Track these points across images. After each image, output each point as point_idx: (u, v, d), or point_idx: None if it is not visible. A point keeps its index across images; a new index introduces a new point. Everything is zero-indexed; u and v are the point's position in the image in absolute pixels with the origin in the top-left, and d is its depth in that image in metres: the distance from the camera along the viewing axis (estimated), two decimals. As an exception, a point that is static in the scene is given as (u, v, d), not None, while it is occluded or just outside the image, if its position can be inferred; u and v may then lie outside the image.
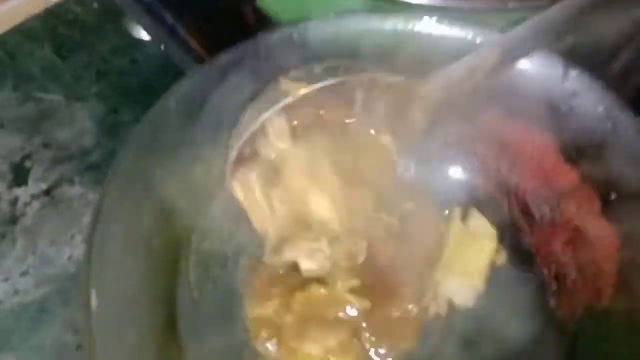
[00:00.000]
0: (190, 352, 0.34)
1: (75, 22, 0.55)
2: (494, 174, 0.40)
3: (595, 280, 0.34)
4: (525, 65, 0.34)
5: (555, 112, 0.35)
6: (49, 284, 0.42)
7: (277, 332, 0.36)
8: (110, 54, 0.53)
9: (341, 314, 0.35)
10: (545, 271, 0.37)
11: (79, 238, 0.45)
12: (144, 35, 0.53)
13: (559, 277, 0.37)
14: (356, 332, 0.35)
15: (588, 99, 0.33)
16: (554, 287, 0.37)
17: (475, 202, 0.41)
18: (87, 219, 0.45)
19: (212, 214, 0.37)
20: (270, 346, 0.35)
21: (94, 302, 0.27)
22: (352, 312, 0.35)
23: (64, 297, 0.42)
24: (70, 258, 0.44)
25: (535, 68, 0.34)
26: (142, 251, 0.32)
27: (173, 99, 0.34)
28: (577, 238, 0.35)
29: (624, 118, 0.32)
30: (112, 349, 0.28)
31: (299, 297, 0.36)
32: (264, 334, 0.36)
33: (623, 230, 0.33)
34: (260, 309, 0.36)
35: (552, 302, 0.36)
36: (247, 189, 0.34)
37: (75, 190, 0.46)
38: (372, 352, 0.35)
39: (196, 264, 0.36)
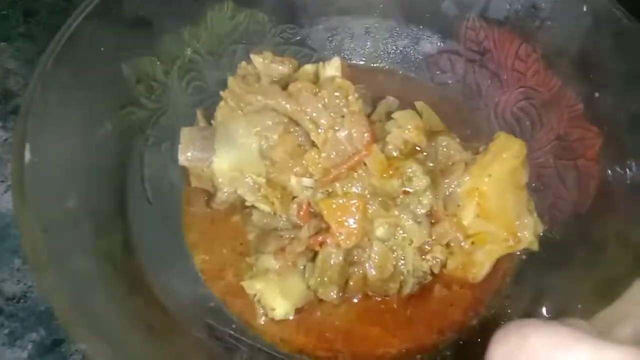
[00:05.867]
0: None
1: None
2: (475, 88, 0.38)
3: (578, 183, 0.32)
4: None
5: (536, 14, 0.34)
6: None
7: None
8: (40, -9, 0.47)
9: None
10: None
11: (0, 188, 0.37)
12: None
13: (540, 189, 0.35)
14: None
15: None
16: (535, 199, 0.35)
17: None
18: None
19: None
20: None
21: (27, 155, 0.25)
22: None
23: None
24: (-10, 212, 0.37)
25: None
26: (88, 122, 0.30)
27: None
28: (557, 146, 0.34)
29: (609, 15, 0.31)
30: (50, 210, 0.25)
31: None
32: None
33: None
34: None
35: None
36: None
37: (-3, 136, 0.40)
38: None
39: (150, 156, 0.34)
